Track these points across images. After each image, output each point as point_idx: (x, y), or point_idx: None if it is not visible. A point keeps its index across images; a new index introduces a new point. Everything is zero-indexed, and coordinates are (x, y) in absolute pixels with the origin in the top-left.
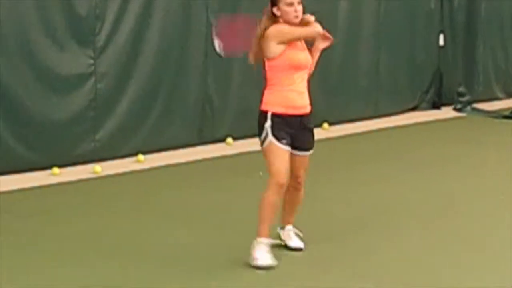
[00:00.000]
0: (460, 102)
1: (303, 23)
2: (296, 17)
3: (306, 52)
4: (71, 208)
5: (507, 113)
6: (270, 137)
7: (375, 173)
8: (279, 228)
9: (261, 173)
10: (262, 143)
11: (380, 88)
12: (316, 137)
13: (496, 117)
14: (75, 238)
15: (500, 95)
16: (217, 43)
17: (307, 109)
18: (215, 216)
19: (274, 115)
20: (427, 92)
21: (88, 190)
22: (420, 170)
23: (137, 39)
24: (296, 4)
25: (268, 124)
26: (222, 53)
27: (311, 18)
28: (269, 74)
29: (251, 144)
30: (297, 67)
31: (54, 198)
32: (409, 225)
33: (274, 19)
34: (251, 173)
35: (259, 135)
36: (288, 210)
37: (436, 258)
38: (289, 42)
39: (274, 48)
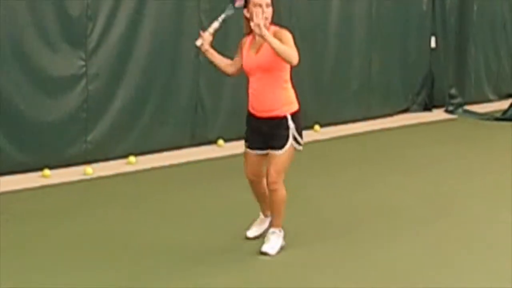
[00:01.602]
0: (452, 104)
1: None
2: (264, 19)
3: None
4: (62, 210)
5: (498, 115)
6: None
7: (367, 175)
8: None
9: None
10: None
11: (372, 90)
12: (307, 138)
13: (488, 119)
14: (67, 239)
15: (491, 97)
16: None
17: (268, 114)
18: (207, 218)
19: (247, 115)
20: (418, 94)
21: (79, 192)
22: (412, 172)
23: (129, 40)
24: (264, 6)
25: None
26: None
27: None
28: (285, 75)
29: (242, 146)
30: (249, 73)
31: (45, 199)
32: (402, 226)
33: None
34: (243, 174)
35: (299, 136)
36: (270, 212)
37: (429, 259)
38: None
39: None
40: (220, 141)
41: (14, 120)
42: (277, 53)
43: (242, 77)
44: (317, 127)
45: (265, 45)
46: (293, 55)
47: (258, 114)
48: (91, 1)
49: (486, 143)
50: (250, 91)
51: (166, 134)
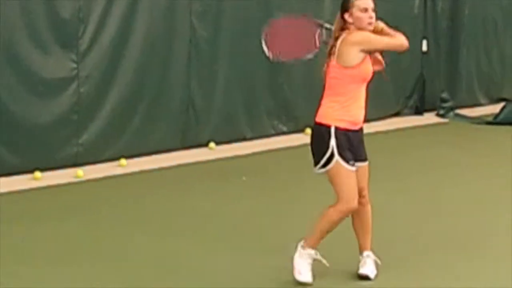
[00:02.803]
0: (443, 108)
1: (376, 31)
2: (370, 24)
3: None
4: (53, 212)
5: (490, 119)
6: (337, 157)
7: None
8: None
9: (244, 178)
10: (325, 162)
11: None
12: (298, 142)
13: (479, 123)
14: (57, 242)
15: (483, 101)
16: (265, 47)
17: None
18: (198, 221)
19: (337, 131)
20: (410, 97)
21: (70, 194)
22: (403, 176)
23: (121, 42)
24: (370, 10)
25: (333, 142)
26: (270, 57)
27: (381, 24)
28: (336, 83)
29: (234, 149)
30: (367, 80)
31: (36, 202)
32: (394, 230)
33: (344, 26)
34: (234, 178)
35: (320, 152)
36: (361, 233)
37: (423, 262)
38: (371, 52)
39: (356, 55)
40: (212, 144)
41: (5, 122)
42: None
43: (233, 78)
44: (308, 130)
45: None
46: (400, 40)
47: (356, 127)
48: (83, 3)
49: (478, 147)
50: (353, 102)
51: (157, 136)
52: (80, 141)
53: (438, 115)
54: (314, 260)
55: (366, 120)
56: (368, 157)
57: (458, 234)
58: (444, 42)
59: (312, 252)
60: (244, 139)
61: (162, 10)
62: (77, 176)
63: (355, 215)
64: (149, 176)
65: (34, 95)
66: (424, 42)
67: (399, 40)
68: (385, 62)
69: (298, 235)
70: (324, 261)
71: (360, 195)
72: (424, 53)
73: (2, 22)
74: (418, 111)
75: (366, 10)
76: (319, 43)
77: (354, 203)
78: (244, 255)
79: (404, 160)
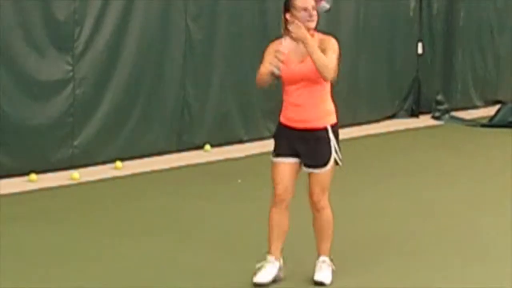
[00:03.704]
0: (438, 110)
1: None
2: (309, 21)
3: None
4: (48, 214)
5: (485, 121)
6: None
7: (353, 181)
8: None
9: (239, 181)
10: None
11: (358, 96)
12: None
13: (474, 126)
14: (53, 244)
15: (478, 103)
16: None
17: (306, 125)
18: (193, 223)
19: (279, 124)
20: (405, 100)
21: (66, 196)
22: (398, 178)
23: (116, 44)
24: (310, 8)
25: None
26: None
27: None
28: (328, 86)
29: (230, 151)
30: (293, 82)
31: (31, 204)
32: (389, 232)
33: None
34: (230, 180)
35: (339, 150)
36: (318, 238)
37: (417, 264)
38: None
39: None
40: (207, 146)
41: (0, 124)
42: (314, 64)
43: (228, 80)
44: None
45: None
46: (328, 70)
47: (295, 125)
48: (78, 5)
49: (472, 150)
50: (288, 100)
51: (152, 139)
52: (75, 143)
53: (433, 117)
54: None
55: (361, 122)
56: (363, 159)
57: (453, 235)
58: (440, 44)
59: (268, 257)
60: (240, 141)
61: (157, 12)
62: (72, 179)
63: (314, 219)
64: (144, 179)
65: (30, 97)
66: (420, 45)
67: (327, 63)
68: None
69: (294, 238)
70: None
71: (311, 199)
72: (419, 55)
73: None
74: (414, 114)
75: (305, 9)
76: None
77: (278, 194)
78: (239, 257)
79: (400, 162)
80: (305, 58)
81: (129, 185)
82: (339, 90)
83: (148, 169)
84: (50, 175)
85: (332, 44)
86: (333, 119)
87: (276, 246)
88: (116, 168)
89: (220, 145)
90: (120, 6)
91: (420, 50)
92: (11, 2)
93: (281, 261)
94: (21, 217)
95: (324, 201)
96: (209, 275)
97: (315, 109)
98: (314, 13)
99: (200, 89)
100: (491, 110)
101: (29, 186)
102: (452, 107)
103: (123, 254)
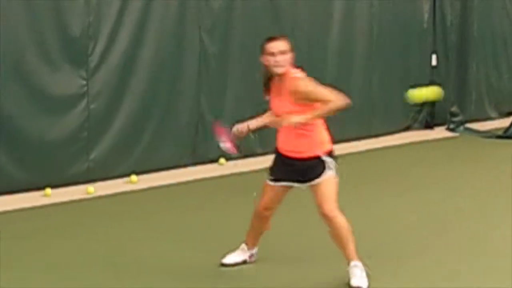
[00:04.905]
0: (453, 122)
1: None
2: (275, 66)
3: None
4: (63, 229)
5: (500, 133)
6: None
7: (368, 194)
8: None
9: (255, 194)
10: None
11: (372, 108)
12: None
13: (489, 137)
14: (68, 258)
15: (492, 114)
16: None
17: (297, 155)
18: (208, 237)
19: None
20: (419, 112)
21: (81, 210)
22: (414, 190)
23: (130, 59)
24: (277, 53)
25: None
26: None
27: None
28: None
29: (244, 165)
30: (276, 114)
31: (46, 219)
32: (404, 245)
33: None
34: (245, 193)
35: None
36: (339, 247)
37: (431, 275)
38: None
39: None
40: (222, 160)
41: (15, 139)
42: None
43: (243, 93)
44: None
45: (284, 90)
46: (336, 106)
47: (286, 154)
48: (93, 20)
49: (488, 161)
50: (280, 132)
51: (167, 152)
52: (90, 157)
53: (448, 129)
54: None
55: (376, 134)
56: (378, 172)
57: (468, 247)
58: (454, 56)
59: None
60: (255, 154)
61: (171, 26)
62: (88, 193)
63: (330, 231)
64: (159, 192)
65: (45, 112)
66: (434, 57)
67: (326, 109)
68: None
69: (314, 249)
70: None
71: (322, 211)
72: (433, 67)
73: (12, 40)
74: (428, 126)
75: (272, 54)
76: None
77: (259, 210)
78: (255, 269)
79: (415, 174)
80: (281, 94)
81: (144, 199)
82: (353, 102)
83: (163, 183)
84: (65, 189)
85: (306, 86)
86: (325, 147)
87: (251, 241)
88: (131, 182)
89: (235, 158)
90: (134, 20)
91: (434, 62)
92: (25, 17)
93: (255, 250)
94: (35, 231)
95: (333, 211)
96: (224, 285)
97: (300, 142)
98: (281, 58)
99: (215, 102)
100: (505, 121)
101: (44, 200)
102: (466, 118)
103: (139, 267)
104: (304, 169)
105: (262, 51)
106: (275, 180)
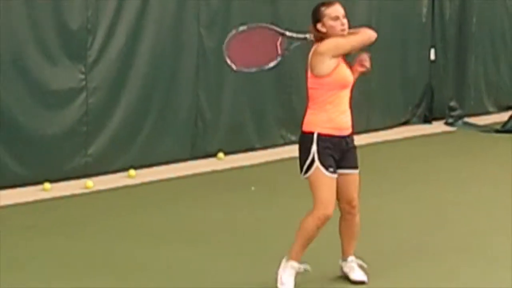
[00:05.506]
0: (452, 117)
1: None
2: (343, 30)
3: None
4: (62, 223)
5: (498, 127)
6: (317, 163)
7: (366, 188)
8: (340, 260)
9: (253, 188)
10: (307, 168)
11: (371, 103)
12: None
13: (488, 132)
14: (67, 253)
15: (491, 109)
16: (228, 57)
17: (350, 130)
18: (207, 231)
19: (320, 137)
20: (418, 106)
21: (79, 205)
22: (412, 184)
23: (129, 53)
24: (341, 17)
25: (314, 148)
26: (233, 67)
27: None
28: (315, 93)
29: (243, 159)
30: (345, 85)
31: (45, 213)
32: (401, 238)
33: (319, 36)
34: (243, 188)
35: (303, 158)
36: (347, 240)
37: (431, 270)
38: (341, 55)
39: (327, 63)
40: (220, 154)
41: (14, 133)
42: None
43: (241, 88)
44: None
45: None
46: (368, 36)
47: (344, 133)
48: (91, 14)
49: (486, 155)
50: (334, 109)
51: (166, 147)
52: (89, 152)
53: (446, 123)
54: (297, 272)
55: (375, 129)
56: (377, 166)
57: (466, 241)
58: (452, 50)
59: (295, 264)
60: (253, 149)
61: (170, 21)
62: (86, 187)
63: (343, 222)
64: (158, 187)
65: (43, 107)
66: (432, 51)
67: (365, 34)
68: (370, 59)
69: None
70: (308, 267)
71: (350, 204)
72: (432, 61)
73: (10, 34)
74: (427, 120)
75: (337, 18)
76: (282, 51)
77: (330, 210)
78: (253, 264)
79: (413, 168)
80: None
81: (143, 194)
82: (352, 96)
83: (161, 177)
84: (63, 184)
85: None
86: None
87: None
88: (129, 176)
89: (233, 152)
90: (133, 15)
91: (432, 56)
92: (24, 12)
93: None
94: (34, 226)
95: (358, 204)
96: (223, 281)
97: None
98: (345, 21)
99: (213, 97)
100: (504, 116)
101: (42, 195)
102: (465, 113)
103: (138, 262)
104: (347, 150)
105: (318, 17)
106: (335, 171)
